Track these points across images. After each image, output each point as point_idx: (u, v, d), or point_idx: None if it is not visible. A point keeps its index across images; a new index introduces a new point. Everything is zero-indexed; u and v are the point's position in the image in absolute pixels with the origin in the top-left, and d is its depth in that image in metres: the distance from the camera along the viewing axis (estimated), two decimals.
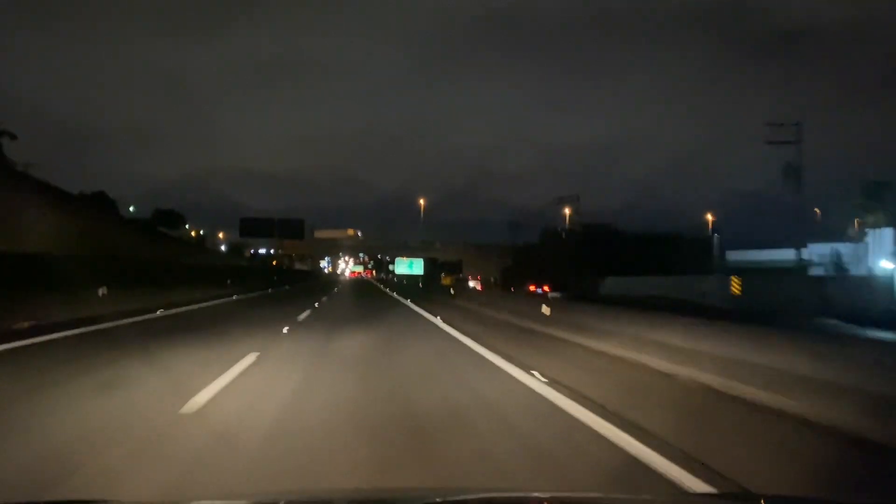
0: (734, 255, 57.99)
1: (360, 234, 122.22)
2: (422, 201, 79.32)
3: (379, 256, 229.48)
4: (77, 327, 12.32)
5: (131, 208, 76.03)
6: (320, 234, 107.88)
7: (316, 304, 24.11)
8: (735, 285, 29.62)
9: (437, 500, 2.36)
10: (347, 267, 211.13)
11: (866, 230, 44.47)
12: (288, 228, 72.22)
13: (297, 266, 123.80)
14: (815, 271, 42.27)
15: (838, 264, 41.91)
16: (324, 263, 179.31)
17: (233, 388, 6.68)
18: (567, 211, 69.65)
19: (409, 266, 66.18)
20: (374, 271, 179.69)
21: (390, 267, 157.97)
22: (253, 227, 73.95)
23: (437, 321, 17.04)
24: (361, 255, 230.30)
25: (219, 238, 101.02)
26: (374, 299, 33.44)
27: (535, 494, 2.93)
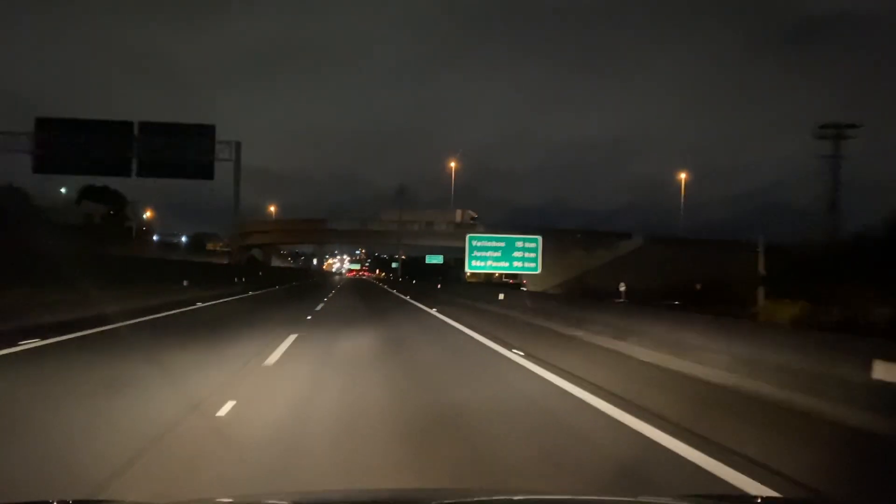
0: None
1: (472, 214, 68.77)
2: (453, 164, 59.23)
3: (377, 254, 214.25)
4: None
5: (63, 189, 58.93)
6: (402, 215, 62.16)
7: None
8: None
9: (444, 501, 2.30)
10: (343, 265, 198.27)
11: None
12: (171, 160, 28.62)
13: (277, 263, 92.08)
14: None
15: None
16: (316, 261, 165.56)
17: None
18: None
19: (506, 253, 29.06)
20: (377, 270, 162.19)
21: (393, 265, 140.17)
22: (63, 149, 27.69)
23: None
24: (357, 252, 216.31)
25: (144, 217, 74.80)
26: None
27: (535, 496, 2.84)
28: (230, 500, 2.91)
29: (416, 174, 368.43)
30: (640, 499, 2.81)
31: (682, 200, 55.64)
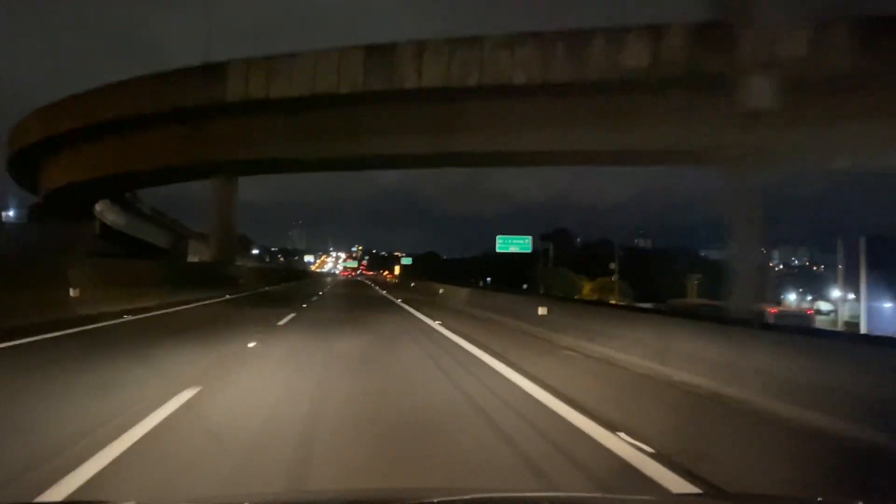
0: None
1: None
2: None
3: (374, 251, 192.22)
4: None
5: None
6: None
7: None
8: None
9: (434, 500, 2.17)
10: (337, 264, 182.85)
11: None
12: None
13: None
14: None
15: None
16: (309, 258, 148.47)
17: None
18: None
19: None
20: (389, 268, 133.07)
21: (404, 261, 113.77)
22: None
23: None
24: (354, 249, 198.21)
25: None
26: None
27: (530, 494, 2.77)
28: (228, 501, 2.79)
29: (418, 174, 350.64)
30: (639, 497, 2.76)
31: None
